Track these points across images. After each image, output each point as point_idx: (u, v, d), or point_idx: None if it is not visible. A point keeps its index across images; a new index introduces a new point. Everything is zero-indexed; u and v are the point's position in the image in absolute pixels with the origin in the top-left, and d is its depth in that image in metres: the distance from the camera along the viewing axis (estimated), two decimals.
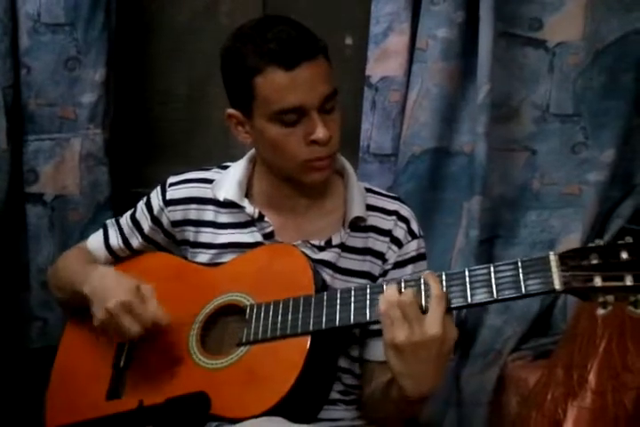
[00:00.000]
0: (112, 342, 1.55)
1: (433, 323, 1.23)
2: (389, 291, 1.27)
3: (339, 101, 1.45)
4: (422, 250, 1.58)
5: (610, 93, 1.97)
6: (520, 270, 1.23)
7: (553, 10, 1.97)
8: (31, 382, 1.80)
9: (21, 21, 1.96)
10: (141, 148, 2.23)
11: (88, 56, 1.99)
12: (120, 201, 2.06)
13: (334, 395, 1.48)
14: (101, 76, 2.01)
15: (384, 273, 1.54)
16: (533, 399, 1.70)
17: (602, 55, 1.97)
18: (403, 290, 1.27)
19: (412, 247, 1.56)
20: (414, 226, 1.57)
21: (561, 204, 2.03)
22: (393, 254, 1.54)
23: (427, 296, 1.26)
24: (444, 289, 1.27)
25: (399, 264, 1.54)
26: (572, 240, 2.00)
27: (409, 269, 1.54)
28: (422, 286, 1.28)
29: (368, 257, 1.53)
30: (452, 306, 1.27)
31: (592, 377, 1.61)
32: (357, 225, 1.54)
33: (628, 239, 1.17)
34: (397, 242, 1.54)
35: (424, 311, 1.25)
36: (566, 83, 1.99)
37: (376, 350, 1.49)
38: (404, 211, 1.58)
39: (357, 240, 1.54)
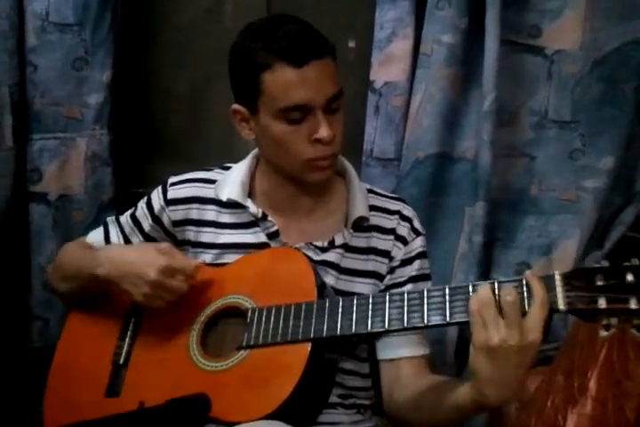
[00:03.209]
0: (111, 339, 1.55)
1: (534, 328, 1.17)
2: (483, 290, 1.20)
3: (341, 104, 1.45)
4: (425, 248, 1.59)
5: (608, 101, 1.97)
6: (524, 288, 1.21)
7: (552, 17, 1.96)
8: (32, 381, 1.80)
9: (28, 20, 1.97)
10: (144, 148, 2.23)
11: (96, 57, 2.00)
12: (123, 201, 2.06)
13: (334, 399, 1.47)
14: (108, 77, 2.02)
15: (391, 271, 1.54)
16: (533, 406, 1.70)
17: (600, 65, 1.96)
18: (497, 290, 1.21)
19: (418, 244, 1.57)
20: (417, 224, 1.58)
21: (558, 209, 2.03)
22: (399, 252, 1.54)
23: (528, 298, 1.20)
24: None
25: (406, 261, 1.55)
26: (569, 245, 2.00)
27: (416, 264, 1.55)
28: (524, 288, 1.21)
29: (372, 256, 1.54)
30: (454, 321, 1.26)
31: (592, 384, 1.61)
32: (360, 225, 1.54)
33: (635, 261, 1.15)
34: (402, 240, 1.55)
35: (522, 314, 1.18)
36: (565, 90, 1.98)
37: (400, 347, 1.50)
38: (407, 211, 1.59)
39: (360, 240, 1.54)
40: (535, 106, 2.00)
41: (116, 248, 1.57)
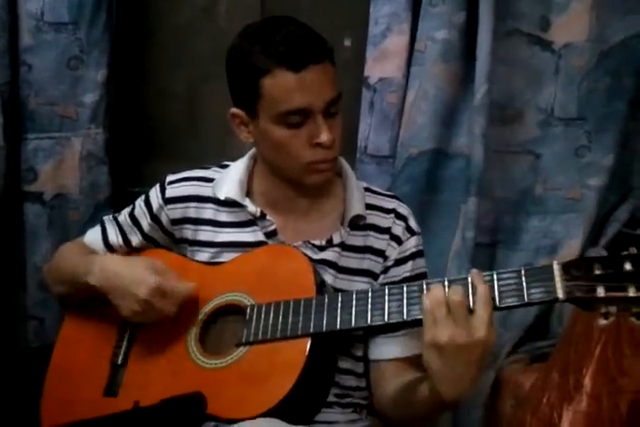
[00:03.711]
0: (109, 339, 1.54)
1: (480, 325, 1.19)
2: (436, 289, 1.23)
3: (340, 107, 1.45)
4: (421, 247, 1.59)
5: (614, 96, 1.98)
6: (523, 279, 1.22)
7: (559, 10, 1.97)
8: (28, 381, 1.79)
9: (23, 19, 1.96)
10: (140, 147, 2.23)
11: (91, 56, 2.00)
12: (119, 201, 2.05)
13: (330, 398, 1.47)
14: (103, 77, 2.01)
15: (385, 270, 1.54)
16: (529, 403, 1.71)
17: (606, 57, 1.97)
18: (447, 289, 1.24)
19: (412, 244, 1.56)
20: (412, 223, 1.58)
21: (564, 209, 2.04)
22: (393, 251, 1.54)
23: (473, 295, 1.22)
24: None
25: (400, 261, 1.54)
26: (574, 245, 2.00)
27: (409, 265, 1.55)
28: (469, 286, 1.24)
29: (367, 255, 1.54)
30: None
31: (588, 381, 1.62)
32: (356, 224, 1.54)
33: (632, 250, 1.16)
34: (397, 239, 1.55)
35: (470, 312, 1.21)
36: (571, 85, 1.99)
37: (387, 348, 1.50)
38: (402, 209, 1.59)
39: (357, 239, 1.54)
40: (542, 103, 2.01)
41: (109, 259, 1.55)
